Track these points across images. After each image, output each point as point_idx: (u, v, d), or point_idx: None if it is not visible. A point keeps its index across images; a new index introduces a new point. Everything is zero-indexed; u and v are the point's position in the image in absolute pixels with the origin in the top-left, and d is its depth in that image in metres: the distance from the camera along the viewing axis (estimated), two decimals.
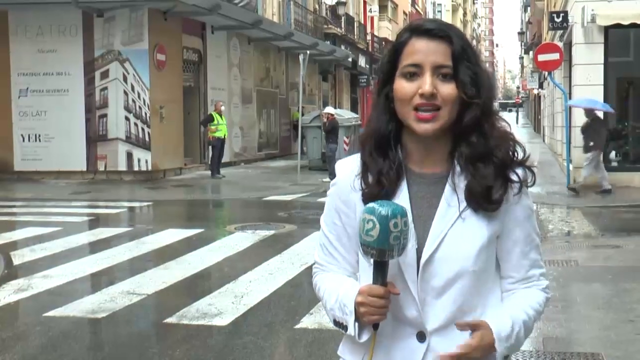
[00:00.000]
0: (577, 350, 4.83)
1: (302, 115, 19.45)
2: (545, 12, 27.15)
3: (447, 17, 68.90)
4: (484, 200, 1.63)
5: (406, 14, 48.75)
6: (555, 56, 14.83)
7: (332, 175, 1.84)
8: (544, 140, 34.56)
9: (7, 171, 17.03)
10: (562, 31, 17.69)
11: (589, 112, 13.73)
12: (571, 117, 15.30)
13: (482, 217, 1.64)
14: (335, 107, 24.98)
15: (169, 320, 5.68)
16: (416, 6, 54.47)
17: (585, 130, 13.81)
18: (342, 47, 31.90)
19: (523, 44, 54.12)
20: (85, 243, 9.15)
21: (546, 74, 22.06)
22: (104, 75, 17.12)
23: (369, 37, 40.16)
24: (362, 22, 39.02)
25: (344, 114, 21.10)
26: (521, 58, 65.01)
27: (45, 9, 16.84)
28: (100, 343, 5.45)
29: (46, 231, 9.71)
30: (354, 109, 34.58)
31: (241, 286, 6.70)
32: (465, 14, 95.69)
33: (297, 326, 5.46)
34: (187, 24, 18.92)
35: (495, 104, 1.75)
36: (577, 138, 14.37)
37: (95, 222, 11.05)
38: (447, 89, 1.60)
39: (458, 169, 1.65)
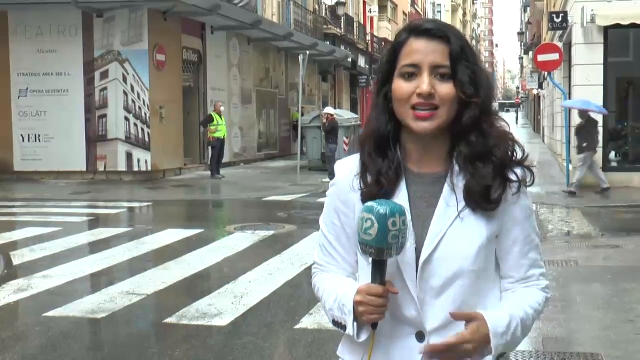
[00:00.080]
0: (577, 350, 4.83)
1: (302, 115, 19.45)
2: (545, 12, 27.16)
3: (446, 18, 68.92)
4: (483, 199, 1.63)
5: (406, 15, 48.75)
6: (555, 56, 14.84)
7: (332, 176, 1.84)
8: (543, 141, 34.58)
9: (7, 171, 17.04)
10: (561, 31, 17.70)
11: (583, 114, 13.76)
12: (570, 117, 15.31)
13: (481, 217, 1.64)
14: (335, 108, 25.00)
15: (169, 320, 5.68)
16: (416, 6, 54.49)
17: (579, 131, 13.85)
18: (342, 48, 31.91)
19: (523, 44, 54.15)
20: (85, 243, 9.15)
21: (546, 74, 22.08)
22: (104, 75, 17.12)
23: (368, 38, 40.17)
24: (362, 22, 39.04)
25: (344, 115, 21.11)
26: (521, 58, 65.06)
27: (45, 9, 16.84)
28: (100, 343, 5.45)
29: (46, 231, 9.71)
30: (353, 109, 34.59)
31: (241, 286, 6.70)
32: (465, 14, 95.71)
33: (297, 326, 5.46)
34: (187, 25, 18.92)
35: (495, 104, 1.75)
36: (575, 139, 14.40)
37: (95, 222, 11.05)
38: (445, 89, 1.60)
39: (457, 168, 1.66)
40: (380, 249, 1.55)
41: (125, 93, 17.06)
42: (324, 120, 18.32)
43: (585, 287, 6.68)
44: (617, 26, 14.44)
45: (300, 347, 5.09)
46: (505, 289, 1.73)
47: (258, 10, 23.64)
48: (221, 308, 5.95)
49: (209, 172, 18.08)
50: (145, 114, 17.05)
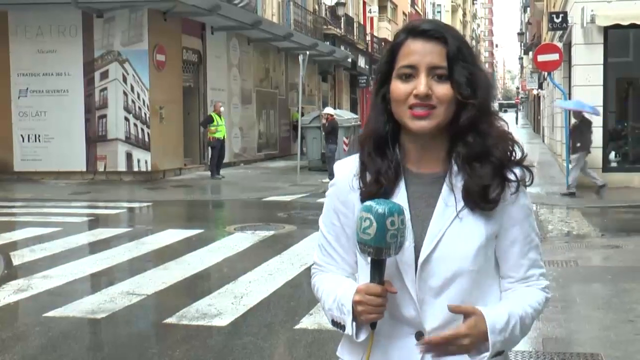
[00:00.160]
0: (576, 350, 4.83)
1: (302, 115, 19.45)
2: (545, 12, 27.16)
3: (446, 18, 68.92)
4: (481, 199, 1.63)
5: (405, 15, 48.76)
6: (554, 57, 14.83)
7: (332, 176, 1.84)
8: (543, 141, 34.57)
9: (7, 171, 17.04)
10: (561, 32, 17.70)
11: (577, 114, 13.80)
12: (570, 118, 15.30)
13: (480, 217, 1.64)
14: (334, 108, 25.01)
15: (169, 320, 5.68)
16: (416, 7, 54.50)
17: (573, 131, 13.88)
18: (342, 48, 31.92)
19: (523, 44, 54.14)
20: (85, 243, 9.15)
21: (546, 74, 22.07)
22: (104, 75, 17.12)
23: (368, 38, 40.19)
24: (362, 22, 39.04)
25: (344, 115, 21.12)
26: (521, 58, 65.06)
27: (45, 9, 16.84)
28: (100, 343, 5.45)
29: (46, 231, 9.71)
30: (353, 109, 34.60)
31: (241, 287, 6.71)
32: (464, 14, 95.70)
33: (297, 327, 5.46)
34: (187, 25, 18.92)
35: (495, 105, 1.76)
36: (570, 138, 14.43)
37: (95, 222, 11.05)
38: (442, 90, 1.60)
39: (455, 168, 1.66)
40: (378, 248, 1.55)
41: (125, 93, 17.06)
42: (324, 121, 18.32)
43: (585, 287, 6.68)
44: (617, 26, 14.44)
45: (300, 347, 5.09)
46: (505, 289, 1.73)
47: (258, 10, 23.65)
48: (221, 308, 5.95)
49: (208, 172, 18.09)
50: (145, 114, 17.05)
